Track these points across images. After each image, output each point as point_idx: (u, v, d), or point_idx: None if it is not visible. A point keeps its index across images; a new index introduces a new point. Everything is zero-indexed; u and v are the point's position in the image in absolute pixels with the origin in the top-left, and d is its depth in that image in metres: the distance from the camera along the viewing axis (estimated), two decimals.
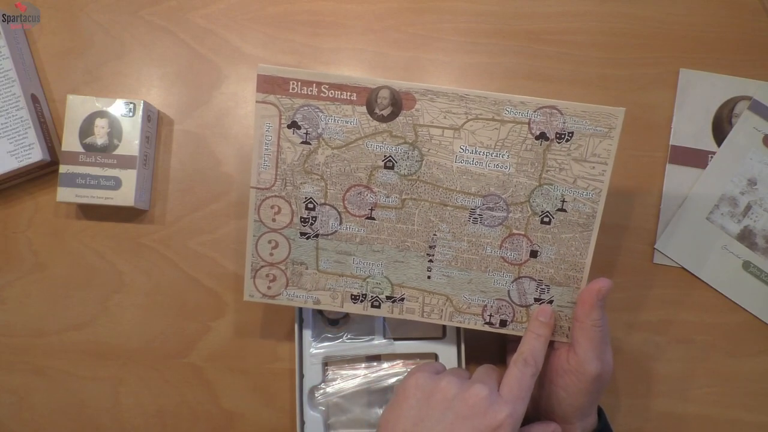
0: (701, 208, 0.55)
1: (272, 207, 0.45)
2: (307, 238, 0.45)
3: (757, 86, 0.56)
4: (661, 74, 0.56)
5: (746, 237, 0.55)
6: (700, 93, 0.56)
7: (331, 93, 0.42)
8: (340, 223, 0.45)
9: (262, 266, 0.46)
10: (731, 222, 0.55)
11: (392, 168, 0.43)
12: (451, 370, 0.43)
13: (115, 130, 0.51)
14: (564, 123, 0.42)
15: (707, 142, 0.55)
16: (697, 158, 0.55)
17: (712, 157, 0.55)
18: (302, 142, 0.43)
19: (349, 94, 0.42)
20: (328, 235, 0.45)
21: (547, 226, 0.44)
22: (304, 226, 0.45)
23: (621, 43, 0.56)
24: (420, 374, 0.41)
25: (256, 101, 0.43)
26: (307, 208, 0.44)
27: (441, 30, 0.56)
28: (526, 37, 0.56)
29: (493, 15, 0.56)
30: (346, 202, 0.44)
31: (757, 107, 0.55)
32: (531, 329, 0.43)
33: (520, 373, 0.40)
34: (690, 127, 0.55)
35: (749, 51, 0.56)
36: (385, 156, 0.43)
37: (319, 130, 0.43)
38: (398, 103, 0.42)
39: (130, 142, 0.51)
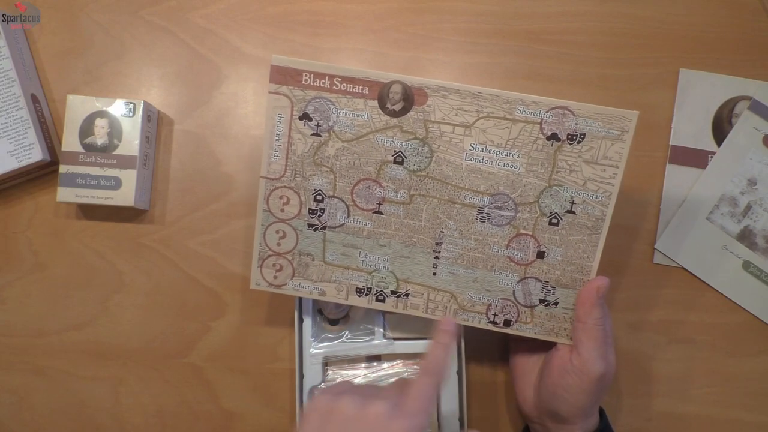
0: (701, 208, 0.55)
1: (281, 197, 0.45)
2: (315, 230, 0.45)
3: (757, 86, 0.56)
4: (661, 74, 0.56)
5: (746, 237, 0.55)
6: (700, 93, 0.56)
7: (344, 86, 0.42)
8: (348, 216, 0.45)
9: (269, 255, 0.46)
10: (731, 222, 0.55)
11: (402, 163, 0.43)
12: (355, 387, 0.41)
13: (115, 130, 0.51)
14: (576, 124, 0.42)
15: (707, 142, 0.55)
16: (697, 158, 0.55)
17: (712, 157, 0.55)
18: (313, 134, 0.43)
19: (361, 87, 0.42)
20: (335, 227, 0.45)
21: (555, 228, 0.44)
22: (312, 217, 0.45)
23: (621, 43, 0.56)
24: (320, 396, 0.39)
25: (269, 92, 0.43)
26: (315, 200, 0.45)
27: (441, 30, 0.56)
28: (526, 37, 0.56)
29: (493, 15, 0.56)
30: (354, 195, 0.44)
31: (757, 107, 0.55)
32: (435, 339, 0.42)
33: (422, 384, 0.39)
34: (690, 127, 0.55)
35: (749, 51, 0.56)
36: (395, 151, 0.43)
37: (330, 123, 0.43)
38: (410, 98, 0.42)
39: (130, 142, 0.51)
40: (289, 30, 0.55)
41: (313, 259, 0.46)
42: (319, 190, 0.44)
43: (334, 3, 0.56)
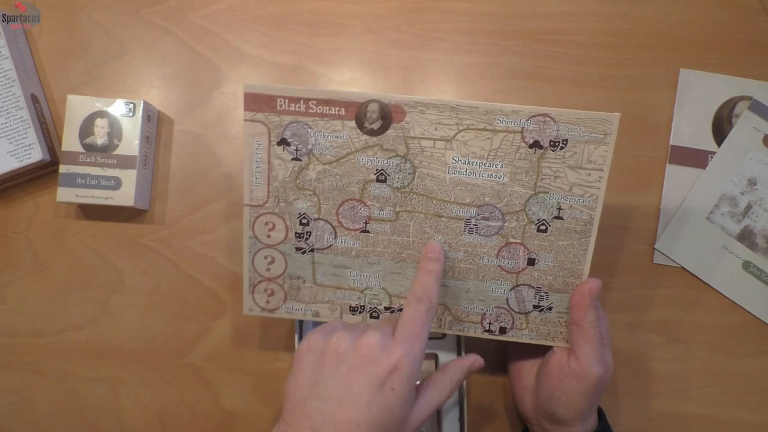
0: (701, 208, 0.55)
1: (266, 224, 0.44)
2: (303, 253, 0.45)
3: (757, 86, 0.56)
4: (661, 74, 0.56)
5: (746, 237, 0.55)
6: (700, 93, 0.56)
7: (319, 109, 0.42)
8: (335, 237, 0.44)
9: (260, 281, 0.46)
10: (731, 222, 0.55)
11: (385, 181, 0.43)
12: (346, 324, 0.41)
13: (115, 130, 0.51)
14: (558, 131, 0.41)
15: (707, 142, 0.55)
16: (697, 158, 0.55)
17: (712, 157, 0.55)
18: (293, 159, 0.43)
19: (337, 109, 0.42)
20: (323, 249, 0.45)
21: (544, 234, 0.43)
22: (299, 241, 0.45)
23: (621, 43, 0.56)
24: (312, 336, 0.40)
25: (244, 120, 0.42)
26: (301, 224, 0.44)
27: (441, 30, 0.56)
28: (526, 37, 0.56)
29: (493, 15, 0.56)
30: (339, 216, 0.44)
31: (757, 107, 0.55)
32: (422, 266, 0.42)
33: (413, 311, 0.39)
34: (690, 127, 0.55)
35: (749, 51, 0.56)
36: (377, 169, 0.43)
37: (310, 146, 0.43)
38: (388, 116, 0.42)
39: (130, 142, 0.51)
40: (289, 30, 0.55)
41: (304, 282, 0.46)
42: (304, 213, 0.44)
43: (334, 3, 0.56)
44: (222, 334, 0.53)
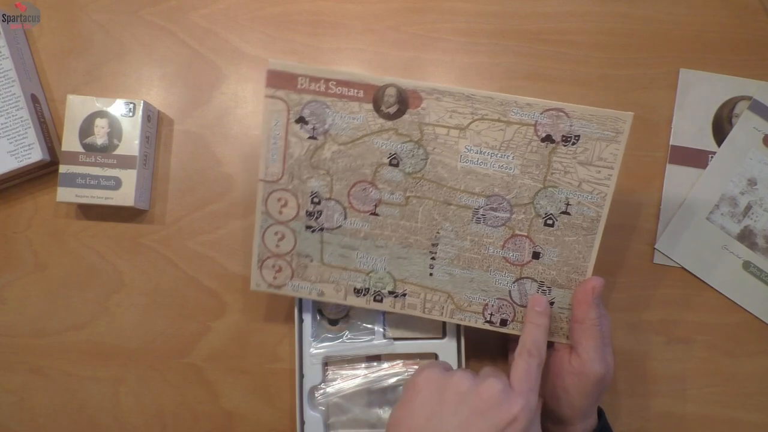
0: (701, 208, 0.55)
1: (279, 200, 0.45)
2: (312, 232, 0.45)
3: (757, 86, 0.56)
4: (661, 74, 0.56)
5: (746, 237, 0.55)
6: (700, 93, 0.56)
7: (339, 89, 0.42)
8: (345, 218, 0.45)
9: (269, 257, 0.46)
10: (731, 222, 0.55)
11: (397, 165, 0.44)
12: (460, 368, 0.42)
13: (115, 130, 0.51)
14: (570, 126, 0.42)
15: (707, 142, 0.55)
16: (697, 158, 0.55)
17: (712, 157, 0.55)
18: (309, 138, 0.44)
19: (356, 91, 0.42)
20: (332, 229, 0.45)
21: (551, 229, 0.44)
22: (310, 219, 0.45)
23: (621, 43, 0.56)
24: (431, 369, 0.40)
25: (265, 96, 0.43)
26: (312, 202, 0.45)
27: (441, 30, 0.56)
28: (526, 37, 0.56)
29: (493, 15, 0.56)
30: (351, 197, 0.44)
31: (757, 107, 0.55)
32: (529, 320, 0.43)
33: (527, 364, 0.40)
34: (690, 127, 0.55)
35: (749, 51, 0.56)
36: (390, 153, 0.43)
37: (326, 126, 0.43)
38: (405, 101, 0.42)
39: (130, 142, 0.51)
40: (289, 30, 0.55)
41: (312, 260, 0.46)
42: (316, 192, 0.44)
43: (334, 3, 0.56)
44: (222, 334, 0.53)
